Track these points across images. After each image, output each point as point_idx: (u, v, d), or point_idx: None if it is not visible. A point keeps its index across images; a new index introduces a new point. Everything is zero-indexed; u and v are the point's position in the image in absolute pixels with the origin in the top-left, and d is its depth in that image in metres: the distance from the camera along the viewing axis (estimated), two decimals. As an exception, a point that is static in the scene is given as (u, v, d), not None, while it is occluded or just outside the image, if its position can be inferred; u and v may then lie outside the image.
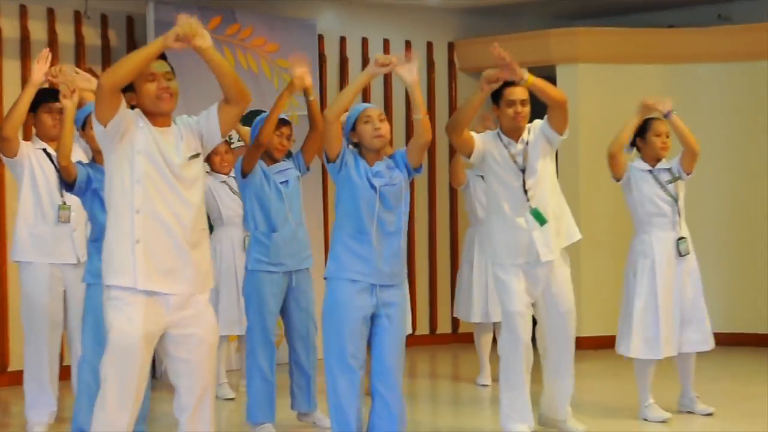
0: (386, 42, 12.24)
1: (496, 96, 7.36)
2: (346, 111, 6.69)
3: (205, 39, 5.55)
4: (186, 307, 5.72)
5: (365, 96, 11.75)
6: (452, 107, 12.52)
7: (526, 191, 7.30)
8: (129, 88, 5.52)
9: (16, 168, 7.84)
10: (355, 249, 6.46)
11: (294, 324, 7.99)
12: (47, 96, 7.93)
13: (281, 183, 7.80)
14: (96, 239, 7.07)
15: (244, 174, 7.72)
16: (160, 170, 5.60)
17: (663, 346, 8.06)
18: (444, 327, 12.40)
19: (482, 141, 7.35)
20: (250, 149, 7.76)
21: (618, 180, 7.88)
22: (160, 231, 5.65)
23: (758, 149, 11.68)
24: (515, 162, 7.33)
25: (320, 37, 11.72)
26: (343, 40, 12.06)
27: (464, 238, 10.18)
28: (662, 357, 8.07)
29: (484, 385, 9.79)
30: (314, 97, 7.80)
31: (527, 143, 7.36)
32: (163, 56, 5.68)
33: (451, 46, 12.64)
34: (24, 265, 7.96)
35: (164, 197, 5.63)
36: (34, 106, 7.89)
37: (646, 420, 8.07)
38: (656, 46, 11.91)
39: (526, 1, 11.95)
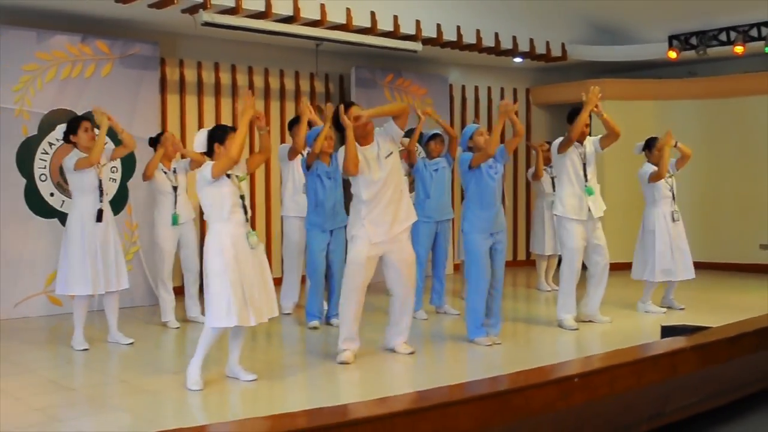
0: (489, 88, 12.16)
1: (572, 119, 7.26)
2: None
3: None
4: (395, 242, 5.95)
5: (463, 120, 11.78)
6: (528, 128, 12.31)
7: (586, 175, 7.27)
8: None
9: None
10: (481, 214, 6.50)
11: (439, 254, 7.98)
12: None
13: (434, 170, 7.75)
14: (313, 201, 7.23)
15: (411, 165, 7.79)
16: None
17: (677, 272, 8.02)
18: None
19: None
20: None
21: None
22: (384, 202, 5.87)
23: (717, 151, 11.50)
24: (579, 154, 7.28)
25: (450, 86, 11.65)
26: (464, 87, 11.94)
27: (535, 202, 9.84)
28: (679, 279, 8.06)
29: (542, 290, 9.70)
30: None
31: (585, 147, 7.31)
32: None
33: (528, 90, 12.53)
34: (287, 219, 7.98)
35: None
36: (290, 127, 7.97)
37: (647, 312, 7.99)
38: (651, 91, 11.71)
39: (574, 63, 11.74)
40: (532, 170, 9.81)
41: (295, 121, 8.08)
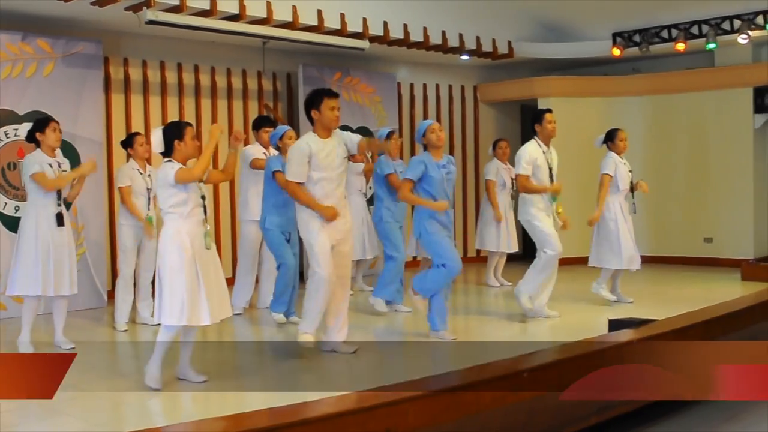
0: (437, 86, 12.21)
1: (540, 119, 7.37)
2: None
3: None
4: (345, 232, 6.03)
5: (412, 118, 11.84)
6: (476, 125, 12.47)
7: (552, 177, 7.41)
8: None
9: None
10: (441, 213, 6.55)
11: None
12: (265, 121, 8.11)
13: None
14: (273, 203, 7.22)
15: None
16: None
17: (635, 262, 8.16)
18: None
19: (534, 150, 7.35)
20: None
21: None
22: (332, 198, 5.94)
23: (662, 147, 11.70)
24: (547, 160, 7.39)
25: (398, 84, 11.70)
26: (412, 85, 11.97)
27: (482, 202, 9.84)
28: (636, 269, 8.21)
29: (491, 286, 9.70)
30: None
31: (552, 153, 7.46)
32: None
33: (475, 88, 12.59)
34: (247, 222, 8.02)
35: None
36: (258, 127, 7.99)
37: (599, 293, 8.11)
38: (596, 87, 11.90)
39: (521, 60, 11.84)
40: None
41: (264, 121, 8.08)
